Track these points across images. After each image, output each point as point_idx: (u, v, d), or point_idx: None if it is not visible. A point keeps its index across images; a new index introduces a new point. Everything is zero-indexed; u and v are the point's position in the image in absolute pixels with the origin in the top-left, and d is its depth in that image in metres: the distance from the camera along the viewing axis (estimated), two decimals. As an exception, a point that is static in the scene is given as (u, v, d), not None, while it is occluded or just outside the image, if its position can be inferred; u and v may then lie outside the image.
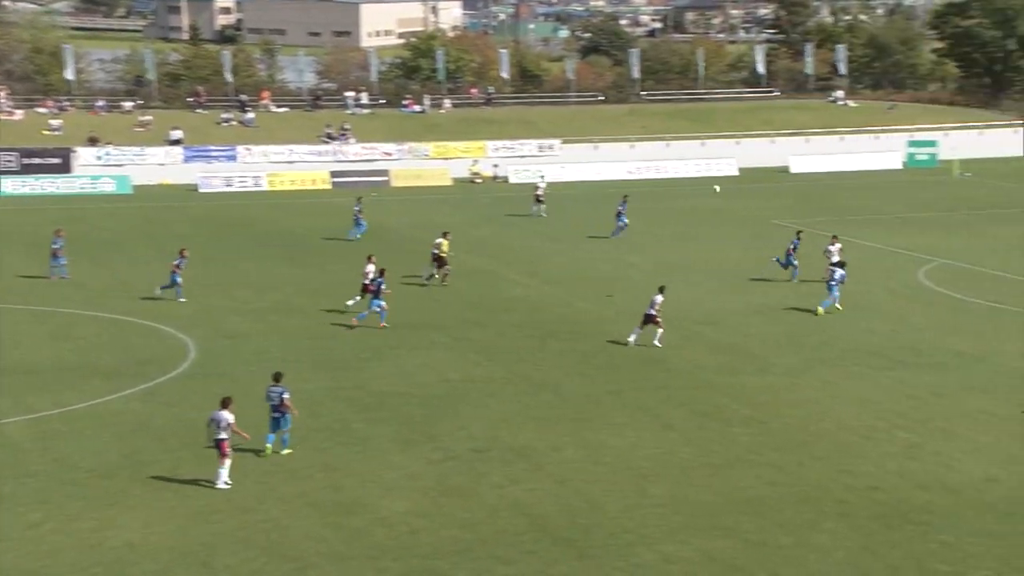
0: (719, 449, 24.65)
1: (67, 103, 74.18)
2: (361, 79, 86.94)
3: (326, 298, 38.13)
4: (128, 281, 40.41)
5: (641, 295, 38.57)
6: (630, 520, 21.18)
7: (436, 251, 40.40)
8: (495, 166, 70.34)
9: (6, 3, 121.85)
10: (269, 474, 23.19)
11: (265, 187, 66.07)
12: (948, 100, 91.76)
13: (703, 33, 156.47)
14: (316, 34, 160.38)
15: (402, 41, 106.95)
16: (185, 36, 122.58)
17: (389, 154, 70.83)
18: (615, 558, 19.74)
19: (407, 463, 24.03)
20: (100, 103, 74.93)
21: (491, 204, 59.87)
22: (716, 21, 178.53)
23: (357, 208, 50.38)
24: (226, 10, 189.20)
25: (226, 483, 22.61)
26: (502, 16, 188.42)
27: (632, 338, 32.54)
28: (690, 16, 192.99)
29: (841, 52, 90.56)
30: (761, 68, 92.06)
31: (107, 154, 66.59)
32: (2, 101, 72.13)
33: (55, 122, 69.91)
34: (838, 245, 38.84)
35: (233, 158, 68.49)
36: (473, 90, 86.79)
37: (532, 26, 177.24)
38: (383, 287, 34.61)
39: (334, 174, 68.14)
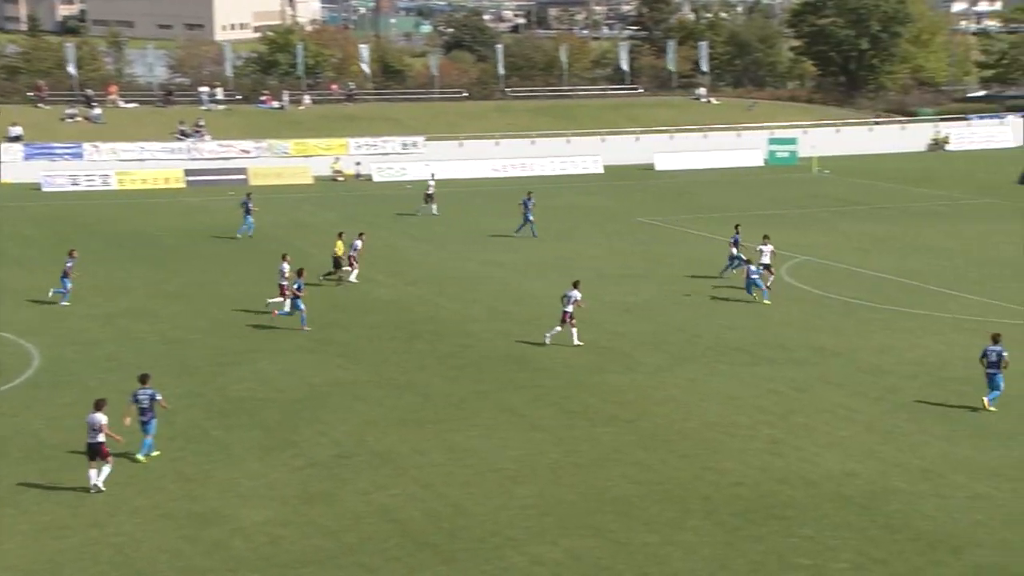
0: (586, 448, 24.53)
1: None
2: (216, 74, 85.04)
3: (181, 301, 37.02)
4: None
5: (507, 294, 38.54)
6: (496, 523, 20.93)
7: (353, 252, 39.94)
8: (358, 164, 69.45)
9: None
10: (120, 485, 22.22)
11: (115, 186, 63.99)
12: (806, 98, 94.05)
13: (567, 29, 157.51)
14: (167, 26, 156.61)
15: (258, 35, 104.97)
16: (23, 27, 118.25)
17: (247, 152, 69.31)
18: (481, 562, 19.45)
19: (267, 471, 23.33)
20: (-72, 97, 71.76)
21: (354, 203, 59.08)
22: (580, 17, 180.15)
23: (247, 204, 49.25)
24: (68, 0, 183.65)
25: (96, 487, 21.83)
26: (362, 10, 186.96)
27: (549, 336, 32.22)
28: (553, 12, 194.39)
29: (703, 50, 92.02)
30: (625, 65, 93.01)
31: (-62, 152, 63.82)
32: None
33: None
34: (770, 246, 38.37)
35: (79, 155, 66.11)
36: (334, 86, 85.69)
37: (394, 21, 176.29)
38: (300, 288, 33.86)
39: (188, 172, 66.39)
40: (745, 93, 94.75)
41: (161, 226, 51.25)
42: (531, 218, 48.89)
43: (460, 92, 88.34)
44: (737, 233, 40.82)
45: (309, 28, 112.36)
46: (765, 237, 38.94)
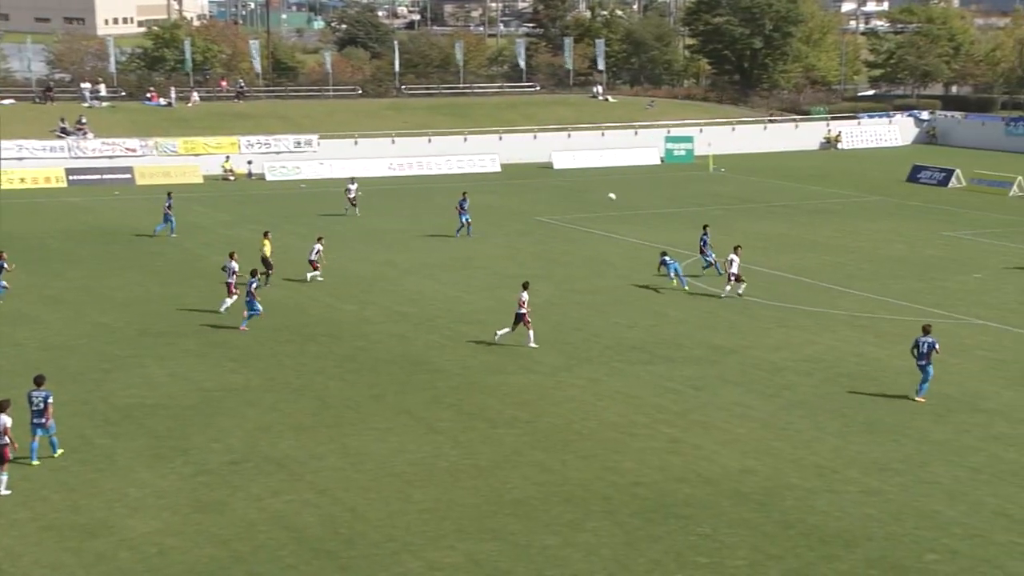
0: (485, 450, 24.28)
1: None
2: (98, 69, 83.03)
3: (63, 306, 35.96)
4: None
5: (403, 295, 38.12)
6: (394, 528, 20.58)
7: (313, 255, 39.47)
8: (249, 163, 68.32)
9: None
10: (-2, 498, 21.39)
11: (-10, 185, 62.07)
12: (702, 96, 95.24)
13: (463, 26, 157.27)
14: (45, 20, 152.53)
15: (143, 29, 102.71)
16: None
17: (133, 150, 67.67)
18: (378, 568, 19.09)
19: (156, 479, 22.64)
20: None
21: (247, 203, 58.08)
22: (475, 14, 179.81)
23: (167, 204, 48.23)
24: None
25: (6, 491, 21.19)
26: (252, 5, 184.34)
27: (499, 335, 31.94)
28: (449, 9, 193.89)
29: (600, 47, 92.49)
30: (522, 63, 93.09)
31: None
32: None
33: None
34: (736, 258, 37.71)
35: (-47, 154, 64.05)
36: (223, 83, 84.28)
37: (284, 16, 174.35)
38: (255, 287, 33.40)
39: (70, 171, 64.66)
40: (642, 91, 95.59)
41: (42, 227, 49.74)
42: (468, 219, 48.41)
43: (354, 90, 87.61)
44: (706, 234, 40.78)
45: (197, 23, 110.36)
46: (736, 247, 38.26)
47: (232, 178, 66.69)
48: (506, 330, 32.06)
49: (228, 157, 68.25)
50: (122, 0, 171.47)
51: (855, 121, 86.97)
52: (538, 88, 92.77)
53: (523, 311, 31.72)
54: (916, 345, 27.49)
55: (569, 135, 77.90)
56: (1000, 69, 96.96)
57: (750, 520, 20.95)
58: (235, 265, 35.50)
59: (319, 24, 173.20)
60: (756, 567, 19.20)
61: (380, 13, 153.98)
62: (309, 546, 19.89)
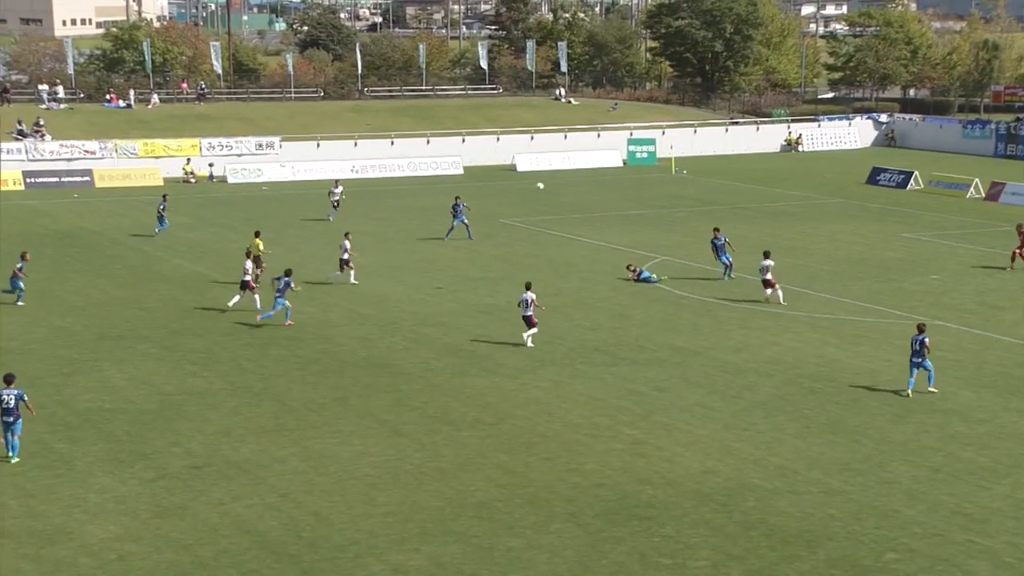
0: (449, 453, 24.25)
1: None
2: (56, 71, 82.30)
3: (19, 310, 35.67)
4: None
5: (366, 298, 37.99)
6: (357, 531, 20.51)
7: (344, 254, 39.29)
8: (211, 165, 67.90)
9: None
10: (-44, 505, 21.14)
11: (-54, 187, 61.37)
12: (664, 99, 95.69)
13: (425, 28, 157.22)
14: (1, 20, 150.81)
15: (102, 31, 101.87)
16: None
17: (92, 152, 67.11)
18: (342, 572, 19.03)
19: (116, 485, 22.45)
20: None
21: (208, 205, 57.74)
22: (438, 16, 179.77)
23: (162, 206, 48.43)
24: None
25: None
26: (212, 6, 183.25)
27: (527, 338, 32.02)
28: (411, 11, 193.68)
29: (562, 50, 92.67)
30: (484, 65, 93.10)
31: None
32: None
33: None
34: (771, 262, 37.36)
35: (-91, 156, 63.28)
36: (183, 85, 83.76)
37: (246, 18, 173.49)
38: (292, 286, 34.06)
39: (27, 174, 64.04)
40: (604, 94, 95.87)
41: None
42: (465, 220, 48.18)
43: (316, 92, 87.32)
44: (717, 238, 40.56)
45: (156, 24, 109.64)
46: (766, 253, 37.83)
47: (193, 180, 66.27)
48: (529, 332, 32.20)
49: (189, 159, 67.81)
50: (80, 1, 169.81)
51: (815, 123, 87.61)
52: (501, 90, 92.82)
53: (528, 313, 32.02)
54: (912, 343, 28.22)
55: (532, 137, 77.98)
56: (957, 72, 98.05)
57: (712, 521, 21.03)
58: (249, 264, 36.23)
59: (280, 26, 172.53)
60: (718, 567, 19.28)
61: (342, 15, 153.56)
62: (271, 550, 19.78)
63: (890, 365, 30.52)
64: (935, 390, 28.10)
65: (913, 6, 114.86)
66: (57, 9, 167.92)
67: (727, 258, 40.54)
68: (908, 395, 27.87)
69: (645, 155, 77.78)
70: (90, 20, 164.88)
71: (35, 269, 41.84)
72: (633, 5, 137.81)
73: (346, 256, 39.53)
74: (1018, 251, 42.79)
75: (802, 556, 19.67)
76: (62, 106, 75.17)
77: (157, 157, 68.19)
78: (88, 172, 65.31)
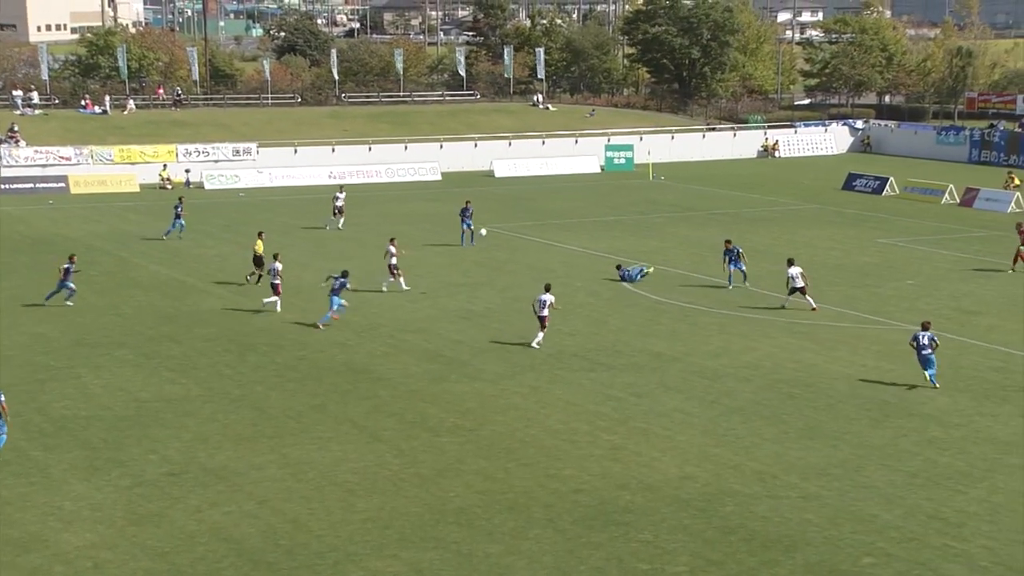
0: (428, 459, 24.20)
1: None
2: (31, 77, 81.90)
3: None
4: None
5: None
6: (336, 538, 20.44)
7: (391, 259, 39.47)
8: (187, 171, 67.65)
9: None
10: (-70, 513, 20.95)
11: (-84, 194, 60.99)
12: (642, 105, 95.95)
13: (402, 34, 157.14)
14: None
15: (77, 36, 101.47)
16: None
17: (67, 158, 66.77)
18: (320, 580, 18.94)
19: (92, 492, 22.30)
20: None
21: (185, 211, 57.42)
22: (415, 22, 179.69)
23: (179, 207, 48.83)
24: None
25: None
26: (189, 12, 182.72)
27: (536, 343, 32.38)
28: (388, 17, 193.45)
29: (539, 56, 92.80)
30: (462, 71, 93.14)
31: None
32: None
33: None
34: (799, 269, 37.27)
35: None
36: (160, 90, 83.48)
37: (222, 24, 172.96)
38: (347, 286, 34.93)
39: (2, 180, 63.78)
40: (582, 100, 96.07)
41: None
42: (471, 225, 48.30)
43: (293, 97, 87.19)
44: (729, 249, 40.24)
45: (132, 30, 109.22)
46: (790, 261, 37.69)
47: (170, 187, 66.02)
48: (540, 336, 32.53)
49: (165, 165, 67.57)
50: (55, 6, 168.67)
51: (792, 130, 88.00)
52: (478, 96, 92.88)
53: (544, 313, 32.40)
54: (916, 338, 28.99)
55: (510, 143, 78.02)
56: (931, 79, 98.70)
57: (691, 526, 21.05)
58: (279, 266, 36.37)
59: (257, 32, 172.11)
60: (697, 573, 19.30)
61: (319, 21, 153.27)
62: (249, 558, 19.68)
63: (867, 370, 30.68)
64: (938, 385, 28.98)
65: (888, 13, 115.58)
66: (32, 14, 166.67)
67: (742, 267, 40.37)
68: (937, 387, 28.81)
69: (623, 161, 77.94)
70: (65, 26, 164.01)
71: (10, 276, 41.65)
72: (610, 11, 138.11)
73: (394, 261, 39.50)
74: (1020, 252, 43.17)
75: (780, 561, 19.72)
76: (36, 112, 74.76)
77: (133, 163, 67.91)
78: (63, 178, 64.95)
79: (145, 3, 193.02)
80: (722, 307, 37.84)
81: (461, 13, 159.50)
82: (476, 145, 77.24)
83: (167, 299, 38.40)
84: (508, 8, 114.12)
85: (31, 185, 63.94)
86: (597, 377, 30.09)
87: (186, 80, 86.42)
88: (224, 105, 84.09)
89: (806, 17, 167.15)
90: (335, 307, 34.58)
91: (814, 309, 36.70)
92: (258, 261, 39.91)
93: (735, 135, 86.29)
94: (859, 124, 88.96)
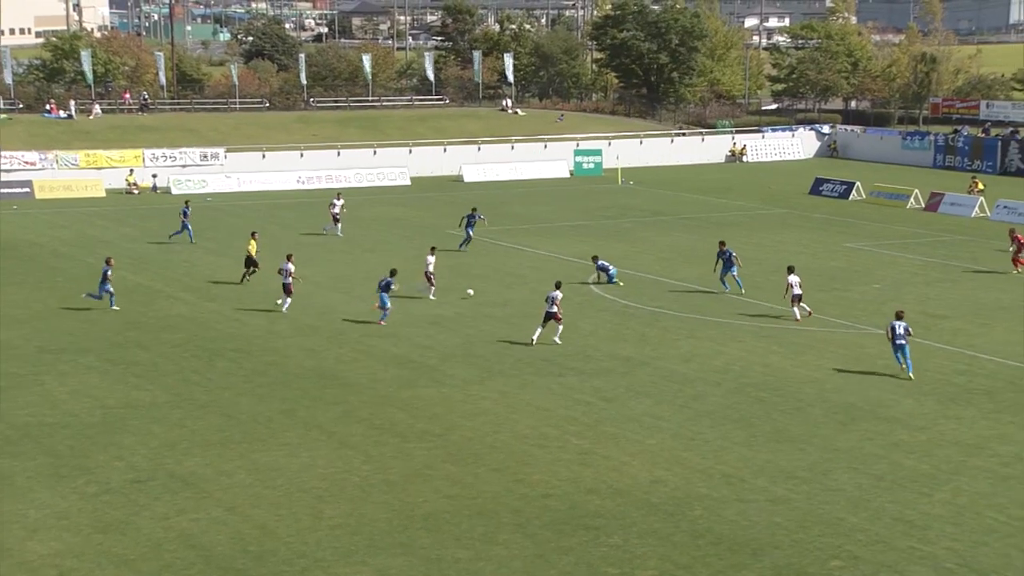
0: (397, 465, 24.16)
1: None
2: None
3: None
4: None
5: (312, 308, 37.80)
6: (305, 544, 20.37)
7: (428, 267, 39.67)
8: (154, 176, 67.28)
9: None
10: None
11: None
12: (610, 110, 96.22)
13: (371, 39, 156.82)
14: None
15: (41, 41, 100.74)
16: None
17: (32, 163, 66.19)
18: (288, 587, 18.88)
19: (57, 500, 22.11)
20: None
21: (152, 216, 57.17)
22: (384, 27, 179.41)
23: (185, 212, 49.31)
24: None
25: None
26: (155, 16, 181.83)
27: (535, 337, 33.01)
28: (357, 22, 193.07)
29: (508, 61, 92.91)
30: (431, 76, 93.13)
31: None
32: None
33: None
34: (797, 277, 37.10)
35: None
36: (126, 95, 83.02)
37: (189, 28, 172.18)
38: (392, 286, 35.60)
39: (-35, 185, 63.11)
40: (551, 104, 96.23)
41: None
42: (472, 233, 48.44)
43: (261, 102, 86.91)
44: (723, 250, 40.48)
45: (98, 34, 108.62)
46: (790, 268, 37.72)
47: (136, 192, 65.65)
48: (539, 330, 33.09)
49: (132, 170, 67.18)
50: (19, 10, 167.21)
51: (759, 135, 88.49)
52: (447, 101, 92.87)
53: (553, 310, 32.98)
54: (892, 328, 30.06)
55: (479, 148, 78.05)
56: (896, 85, 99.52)
57: (660, 530, 21.11)
58: (291, 266, 36.73)
59: (225, 36, 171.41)
60: (666, 577, 19.37)
61: (287, 26, 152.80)
62: (217, 564, 19.59)
63: (834, 374, 30.88)
64: (912, 376, 30.12)
65: (853, 19, 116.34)
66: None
67: (734, 271, 40.50)
68: (912, 377, 30.00)
69: (592, 166, 78.12)
70: (29, 30, 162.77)
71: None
72: (579, 17, 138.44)
73: (430, 269, 39.61)
74: (1017, 257, 44.01)
75: (748, 565, 19.81)
76: (1, 117, 74.14)
77: (99, 168, 67.45)
78: (28, 183, 64.41)
79: (111, 7, 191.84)
80: (691, 311, 37.98)
81: (430, 18, 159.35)
82: (445, 150, 77.21)
83: (134, 305, 38.15)
84: (477, 13, 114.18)
85: (-6, 190, 63.42)
86: (567, 382, 30.13)
87: (153, 85, 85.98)
88: (191, 110, 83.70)
89: (773, 23, 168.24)
90: (386, 304, 35.48)
91: (809, 314, 36.83)
92: (250, 261, 40.29)
93: (703, 140, 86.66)
94: (826, 129, 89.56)
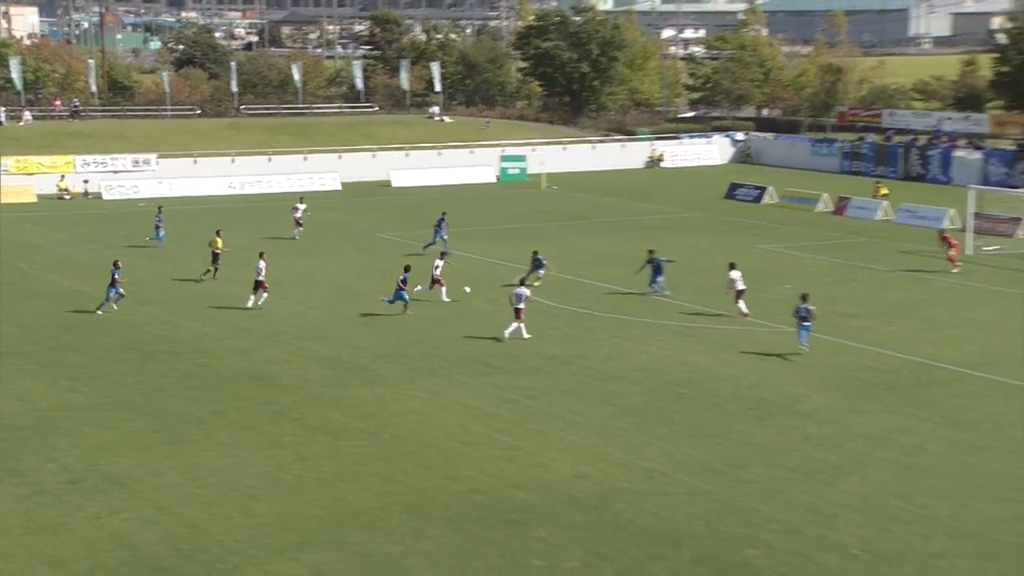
0: (329, 463, 24.60)
1: None
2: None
3: None
4: None
5: (245, 311, 38.07)
6: (236, 542, 20.70)
7: (436, 271, 39.72)
8: (86, 182, 66.94)
9: None
10: None
11: None
12: (534, 117, 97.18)
13: (301, 48, 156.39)
14: None
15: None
16: None
17: None
18: (221, 582, 19.24)
19: (-12, 502, 22.23)
20: None
21: (83, 221, 56.91)
22: (313, 36, 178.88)
23: (158, 217, 49.98)
24: None
25: None
26: (85, 25, 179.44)
27: (507, 332, 34.12)
28: (286, 31, 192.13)
29: (435, 69, 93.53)
30: (360, 84, 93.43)
31: None
32: None
33: None
34: (738, 273, 38.24)
35: None
36: (57, 102, 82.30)
37: (119, 36, 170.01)
38: (405, 282, 37.03)
39: None
40: (477, 112, 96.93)
41: None
42: (445, 236, 48.77)
43: (192, 109, 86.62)
44: (652, 258, 41.59)
45: (27, 42, 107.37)
46: (731, 264, 38.78)
47: (68, 197, 65.30)
48: (512, 327, 34.25)
49: (63, 176, 66.77)
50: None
51: (677, 141, 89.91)
52: (377, 109, 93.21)
53: (520, 306, 34.21)
54: (798, 311, 33.05)
55: (407, 154, 78.50)
56: (805, 94, 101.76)
57: (583, 523, 21.69)
58: (262, 264, 37.76)
59: (156, 45, 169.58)
60: (589, 568, 19.93)
61: (218, 34, 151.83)
62: (149, 563, 19.81)
63: (750, 371, 31.88)
64: (807, 347, 32.89)
65: (764, 31, 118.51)
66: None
67: (661, 280, 41.32)
68: (806, 350, 32.82)
69: (517, 171, 78.94)
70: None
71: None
72: (503, 27, 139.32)
73: (437, 273, 39.84)
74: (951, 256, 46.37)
75: (668, 555, 20.49)
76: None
77: (30, 174, 67.01)
78: (-42, 188, 63.81)
79: (41, 15, 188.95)
80: (615, 312, 38.83)
81: (358, 28, 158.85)
82: (374, 156, 77.60)
83: (67, 309, 38.16)
84: (404, 23, 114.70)
85: (-77, 196, 62.68)
86: (494, 380, 30.77)
87: (84, 92, 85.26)
88: (123, 116, 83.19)
89: (689, 34, 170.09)
90: (406, 299, 37.03)
91: (745, 315, 37.73)
92: (216, 258, 41.62)
93: (623, 146, 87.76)
94: (740, 136, 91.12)
